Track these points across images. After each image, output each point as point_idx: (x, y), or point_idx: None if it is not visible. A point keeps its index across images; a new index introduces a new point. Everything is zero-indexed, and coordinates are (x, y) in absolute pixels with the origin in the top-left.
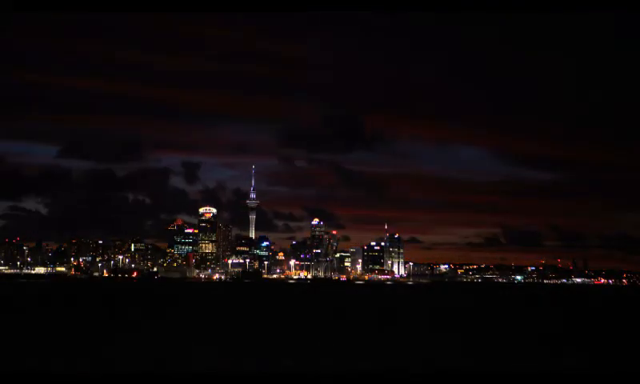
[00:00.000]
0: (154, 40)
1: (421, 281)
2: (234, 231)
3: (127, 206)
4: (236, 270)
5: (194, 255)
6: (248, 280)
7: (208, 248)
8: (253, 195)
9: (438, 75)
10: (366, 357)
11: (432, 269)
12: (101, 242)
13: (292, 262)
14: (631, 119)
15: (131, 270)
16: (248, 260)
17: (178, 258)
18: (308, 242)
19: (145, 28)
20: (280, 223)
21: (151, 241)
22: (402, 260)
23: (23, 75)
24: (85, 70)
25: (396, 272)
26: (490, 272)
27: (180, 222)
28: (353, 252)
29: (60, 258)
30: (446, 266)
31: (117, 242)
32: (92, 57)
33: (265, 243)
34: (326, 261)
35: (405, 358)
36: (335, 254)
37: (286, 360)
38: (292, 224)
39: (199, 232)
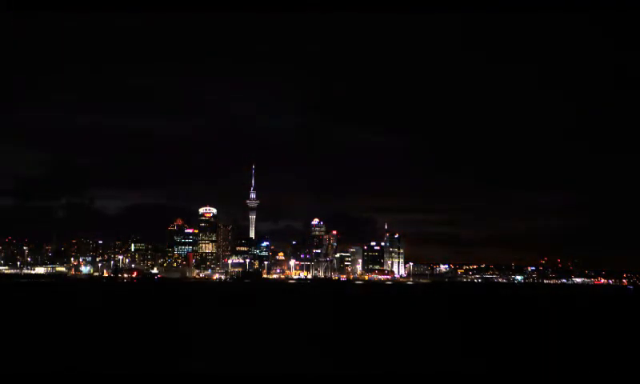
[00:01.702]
0: None
1: (421, 281)
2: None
3: None
4: (236, 270)
5: (193, 255)
6: (248, 280)
7: (208, 248)
8: (253, 195)
9: None
10: None
11: (432, 269)
12: (101, 242)
13: (292, 262)
14: None
15: (131, 270)
16: (248, 260)
17: (178, 258)
18: (308, 242)
19: None
20: None
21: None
22: (402, 260)
23: None
24: None
25: (396, 272)
26: (490, 272)
27: (180, 222)
28: (353, 252)
29: (60, 258)
30: (446, 266)
31: (117, 242)
32: None
33: (265, 243)
34: (326, 261)
35: None
36: (335, 253)
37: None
38: None
39: (199, 232)
